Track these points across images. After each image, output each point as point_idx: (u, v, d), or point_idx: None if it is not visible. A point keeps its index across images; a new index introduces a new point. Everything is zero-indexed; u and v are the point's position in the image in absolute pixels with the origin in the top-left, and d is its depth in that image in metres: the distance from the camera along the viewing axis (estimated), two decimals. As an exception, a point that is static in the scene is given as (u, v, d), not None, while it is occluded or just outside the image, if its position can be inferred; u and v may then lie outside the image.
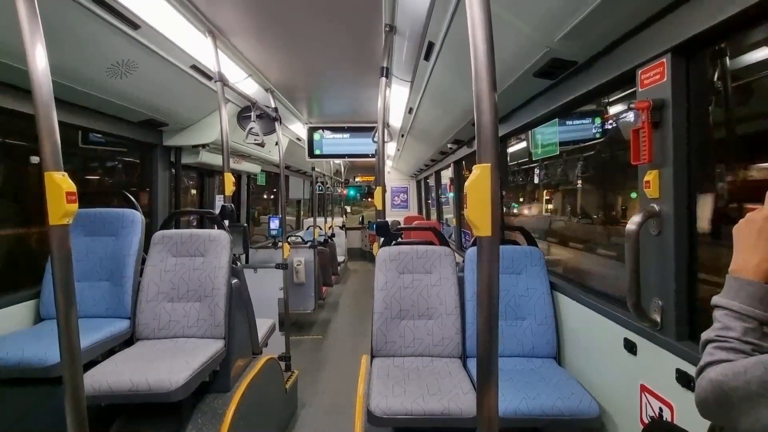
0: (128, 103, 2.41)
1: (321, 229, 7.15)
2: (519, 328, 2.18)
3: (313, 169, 7.12)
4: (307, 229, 7.92)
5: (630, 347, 1.52)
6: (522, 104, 2.39)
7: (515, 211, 4.94)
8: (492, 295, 0.79)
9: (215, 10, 2.02)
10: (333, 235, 8.30)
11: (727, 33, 1.17)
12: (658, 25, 1.28)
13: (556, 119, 2.51)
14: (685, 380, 1.24)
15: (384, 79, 2.25)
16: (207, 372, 1.88)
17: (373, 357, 2.21)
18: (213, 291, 2.12)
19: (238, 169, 4.28)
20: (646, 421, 1.43)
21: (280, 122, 3.43)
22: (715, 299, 0.75)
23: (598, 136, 2.64)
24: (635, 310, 1.37)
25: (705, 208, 1.35)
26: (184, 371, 1.69)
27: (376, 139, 2.70)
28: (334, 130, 4.58)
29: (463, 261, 2.39)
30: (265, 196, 7.37)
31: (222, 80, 2.29)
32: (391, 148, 6.49)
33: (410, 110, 3.65)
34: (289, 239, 5.45)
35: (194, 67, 2.37)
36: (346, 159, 7.01)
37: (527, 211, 4.76)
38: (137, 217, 2.30)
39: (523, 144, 3.89)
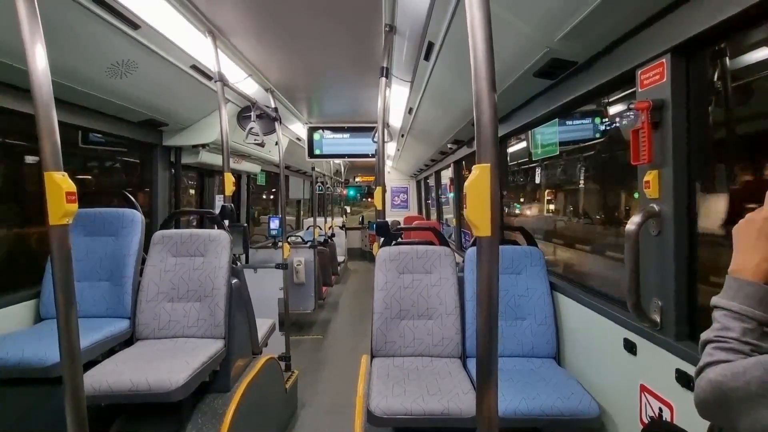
0: (128, 103, 2.41)
1: (321, 229, 7.15)
2: (519, 328, 2.18)
3: (313, 169, 7.12)
4: (307, 229, 7.92)
5: (630, 347, 1.52)
6: (522, 104, 2.40)
7: (517, 211, 4.91)
8: (492, 295, 0.79)
9: (215, 10, 2.02)
10: (333, 235, 8.31)
11: (726, 33, 1.17)
12: (657, 25, 1.28)
13: (556, 119, 2.51)
14: (684, 380, 1.24)
15: (384, 79, 2.25)
16: (207, 372, 1.88)
17: (373, 357, 2.21)
18: (213, 291, 2.12)
19: (238, 169, 4.28)
20: (646, 421, 1.44)
21: (280, 122, 3.43)
22: (715, 300, 0.75)
23: (598, 136, 2.64)
24: (635, 310, 1.37)
25: (704, 208, 1.35)
26: (184, 371, 1.69)
27: (376, 139, 2.70)
28: (334, 130, 4.59)
29: (463, 261, 2.39)
30: (264, 196, 7.36)
31: (222, 80, 2.29)
32: (391, 148, 6.49)
33: (410, 110, 3.65)
34: (289, 239, 5.45)
35: (194, 67, 2.37)
36: (346, 159, 7.02)
37: (530, 212, 4.72)
38: (137, 217, 2.30)
39: (524, 144, 3.87)
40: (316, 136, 4.58)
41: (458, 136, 3.68)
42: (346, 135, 4.59)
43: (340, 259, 8.27)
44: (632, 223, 1.33)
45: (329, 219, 8.85)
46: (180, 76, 2.37)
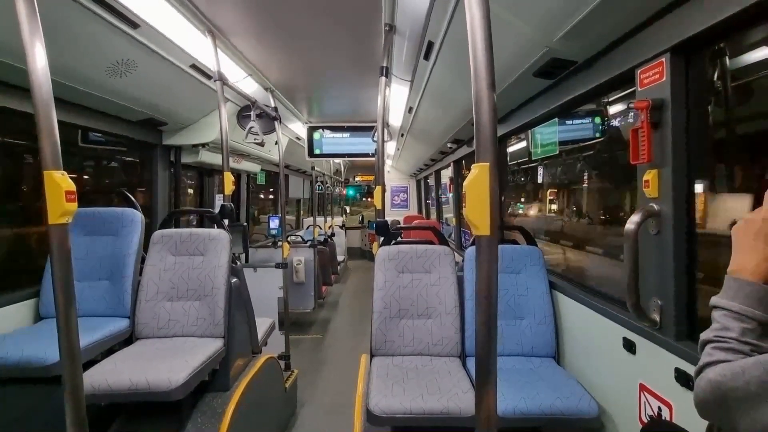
0: (128, 103, 2.41)
1: (321, 228, 7.15)
2: (518, 327, 2.18)
3: (312, 168, 7.12)
4: (307, 228, 7.92)
5: (629, 347, 1.52)
6: (522, 104, 2.40)
7: (521, 211, 4.87)
8: (491, 294, 0.79)
9: (215, 10, 2.02)
10: (333, 234, 8.31)
11: (726, 33, 1.18)
12: (657, 24, 1.28)
13: (556, 119, 2.51)
14: (684, 379, 1.24)
15: (384, 78, 2.25)
16: (206, 371, 1.88)
17: (372, 356, 2.21)
18: (212, 290, 2.12)
19: (238, 168, 4.28)
20: (645, 421, 1.44)
21: (280, 121, 3.43)
22: (714, 300, 0.75)
23: (597, 135, 2.64)
24: (634, 309, 1.37)
25: (704, 208, 1.35)
26: (184, 370, 1.69)
27: (375, 139, 2.70)
28: (333, 129, 4.58)
29: (463, 260, 2.39)
30: (262, 196, 7.36)
31: (221, 79, 2.29)
32: (390, 147, 6.49)
33: (410, 110, 3.65)
34: (288, 238, 5.45)
35: (194, 67, 2.37)
36: (346, 158, 7.02)
37: (534, 212, 4.66)
38: (137, 216, 2.30)
39: (525, 143, 3.85)
40: (316, 135, 4.57)
41: (458, 135, 3.69)
42: (346, 134, 4.59)
43: (340, 258, 8.28)
44: (631, 222, 1.34)
45: (329, 218, 8.85)
46: (180, 76, 2.37)
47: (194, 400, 1.94)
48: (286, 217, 5.77)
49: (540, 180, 4.32)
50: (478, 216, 0.78)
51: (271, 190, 7.27)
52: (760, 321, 0.70)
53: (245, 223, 4.63)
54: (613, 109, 2.52)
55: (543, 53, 1.61)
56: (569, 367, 2.05)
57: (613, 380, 1.67)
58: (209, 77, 2.45)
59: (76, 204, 1.01)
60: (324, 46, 2.58)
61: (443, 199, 6.90)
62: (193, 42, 2.16)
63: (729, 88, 1.42)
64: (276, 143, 3.70)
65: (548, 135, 2.76)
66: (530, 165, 4.17)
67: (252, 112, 2.98)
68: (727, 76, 1.39)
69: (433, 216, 7.50)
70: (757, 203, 0.75)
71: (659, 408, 1.36)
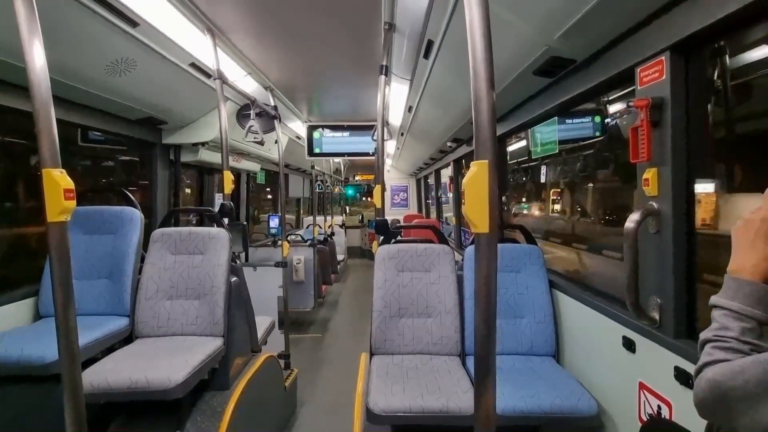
0: (127, 101, 2.40)
1: (320, 227, 7.15)
2: (518, 326, 2.18)
3: (312, 167, 7.11)
4: (307, 227, 7.92)
5: (629, 345, 1.52)
6: (522, 102, 2.39)
7: (525, 212, 4.80)
8: (490, 292, 0.79)
9: (214, 8, 2.02)
10: (333, 233, 8.31)
11: (726, 31, 1.17)
12: (657, 23, 1.28)
13: (556, 118, 2.51)
14: (683, 378, 1.24)
15: (383, 77, 2.24)
16: (206, 370, 1.88)
17: (372, 355, 2.21)
18: (212, 289, 2.12)
19: (238, 167, 4.28)
20: (645, 419, 1.44)
21: (280, 120, 3.43)
22: (714, 299, 0.75)
23: (597, 134, 2.64)
24: (634, 308, 1.37)
25: (703, 206, 1.35)
26: (183, 369, 1.69)
27: (375, 138, 2.70)
28: (333, 128, 4.58)
29: (462, 259, 2.39)
30: (263, 195, 7.36)
31: (221, 78, 2.29)
32: (390, 146, 6.49)
33: (410, 108, 3.65)
34: (288, 238, 5.45)
35: (193, 65, 2.36)
36: (346, 158, 7.02)
37: (539, 212, 4.51)
38: (136, 215, 2.30)
39: (526, 142, 3.79)
40: (316, 134, 4.57)
41: (458, 134, 3.68)
42: (346, 133, 4.59)
43: (340, 257, 8.28)
44: (631, 221, 1.33)
45: (329, 217, 8.85)
46: (179, 74, 2.37)
47: (194, 399, 1.94)
48: (286, 216, 5.77)
49: (543, 179, 4.27)
50: (477, 214, 0.78)
51: (267, 189, 7.25)
52: (759, 320, 0.70)
53: (245, 222, 4.64)
54: (615, 108, 2.51)
55: (543, 52, 1.60)
56: (569, 366, 2.05)
57: (612, 379, 1.67)
58: (209, 76, 2.45)
59: (74, 202, 1.01)
60: (324, 45, 2.58)
61: (443, 199, 6.90)
62: (193, 40, 2.15)
63: (729, 86, 1.42)
64: (276, 142, 3.70)
65: (548, 134, 2.75)
66: (534, 164, 4.13)
67: (252, 111, 2.98)
68: (727, 74, 1.39)
69: (433, 215, 7.50)
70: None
71: (659, 406, 1.36)
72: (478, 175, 0.78)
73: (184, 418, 1.85)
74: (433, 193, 7.40)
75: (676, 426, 1.10)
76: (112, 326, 2.02)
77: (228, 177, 2.40)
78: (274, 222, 4.92)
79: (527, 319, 2.19)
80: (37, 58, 0.97)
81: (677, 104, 1.27)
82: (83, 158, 3.08)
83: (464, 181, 0.79)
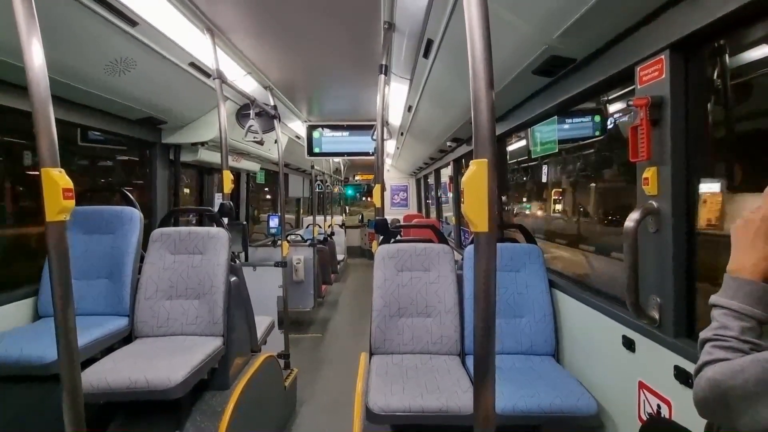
0: (127, 101, 2.40)
1: (320, 227, 7.15)
2: (518, 325, 2.18)
3: (312, 167, 7.11)
4: (307, 227, 7.92)
5: (628, 344, 1.52)
6: (521, 102, 2.39)
7: (527, 212, 4.75)
8: (489, 291, 0.78)
9: (214, 8, 2.02)
10: (332, 233, 8.31)
11: (725, 30, 1.17)
12: (656, 22, 1.28)
13: (555, 117, 2.51)
14: (683, 377, 1.24)
15: (383, 76, 2.24)
16: (205, 370, 1.88)
17: (371, 354, 2.21)
18: (212, 288, 2.11)
19: (237, 167, 4.28)
20: (644, 418, 1.44)
21: (279, 120, 3.42)
22: (714, 298, 0.75)
23: (597, 133, 2.64)
24: (633, 307, 1.37)
25: (708, 206, 1.35)
26: (183, 369, 1.69)
27: (375, 137, 2.70)
28: (333, 128, 4.58)
29: (462, 259, 2.39)
30: (261, 196, 7.35)
31: (221, 78, 2.29)
32: (390, 146, 6.49)
33: (409, 108, 3.64)
34: (288, 237, 5.45)
35: (193, 65, 2.36)
36: (346, 157, 7.02)
37: (541, 212, 4.42)
38: (136, 214, 2.30)
39: (527, 142, 3.74)
40: (316, 134, 4.57)
41: (457, 134, 3.68)
42: (346, 133, 4.58)
43: (340, 257, 8.28)
44: (630, 220, 1.33)
45: (329, 217, 8.85)
46: (178, 74, 2.37)
47: (193, 399, 1.94)
48: (286, 216, 5.77)
49: (545, 179, 4.23)
50: (477, 213, 0.78)
51: (266, 189, 7.25)
52: (759, 320, 0.70)
53: (245, 222, 4.64)
54: (615, 107, 2.51)
55: (542, 51, 1.60)
56: (568, 366, 2.05)
57: (612, 378, 1.67)
58: (208, 75, 2.45)
59: (73, 201, 1.01)
60: (323, 44, 2.57)
61: (443, 198, 6.90)
62: (192, 40, 2.15)
63: (728, 85, 1.42)
64: (275, 142, 3.69)
65: (548, 133, 2.75)
66: (535, 163, 4.11)
67: (251, 111, 2.98)
68: (726, 73, 1.39)
69: (433, 215, 7.50)
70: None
71: (658, 406, 1.36)
72: (477, 174, 0.78)
73: (184, 418, 1.85)
74: (432, 193, 7.39)
75: (675, 425, 1.10)
76: (112, 326, 2.02)
77: (227, 177, 2.40)
78: (273, 222, 4.93)
79: (527, 318, 2.19)
80: (35, 57, 0.97)
81: (677, 103, 1.27)
82: (83, 158, 3.08)
83: (463, 180, 0.79)
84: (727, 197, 1.38)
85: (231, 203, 2.46)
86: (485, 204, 0.77)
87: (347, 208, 12.68)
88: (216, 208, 2.47)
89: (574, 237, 3.63)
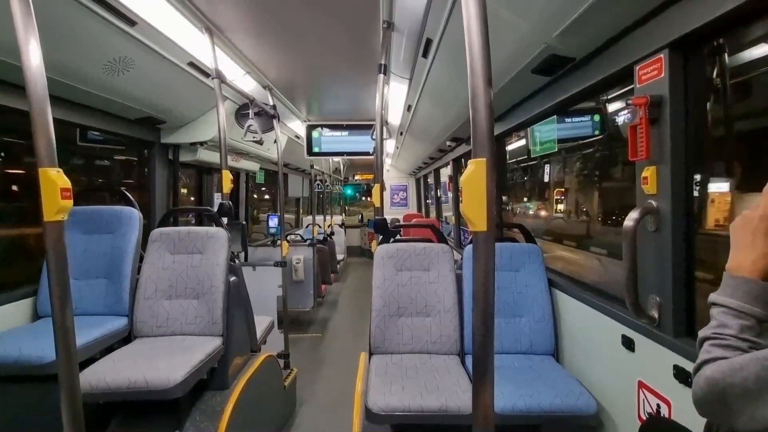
0: (125, 101, 2.40)
1: (320, 227, 7.14)
2: (517, 325, 2.18)
3: (312, 167, 7.11)
4: (306, 227, 7.92)
5: (628, 344, 1.52)
6: (521, 101, 2.39)
7: (531, 212, 4.71)
8: (488, 291, 0.78)
9: (213, 7, 2.02)
10: (332, 233, 8.30)
11: (725, 29, 1.17)
12: (655, 20, 1.28)
13: (554, 116, 2.51)
14: (682, 377, 1.24)
15: (382, 76, 2.24)
16: (205, 369, 1.88)
17: (371, 354, 2.21)
18: (211, 288, 2.11)
19: (237, 167, 4.27)
20: (644, 418, 1.44)
21: (279, 120, 3.42)
22: (712, 297, 0.75)
23: (597, 132, 2.63)
24: (633, 307, 1.36)
25: (716, 206, 1.35)
26: (182, 368, 1.69)
27: (374, 137, 2.70)
28: (332, 127, 4.57)
29: (462, 259, 2.39)
30: (258, 195, 7.34)
31: (219, 77, 2.29)
32: (390, 146, 6.49)
33: (409, 107, 3.64)
34: (288, 237, 5.45)
35: (191, 64, 2.36)
36: (345, 157, 7.01)
37: (545, 212, 4.35)
38: (135, 214, 2.30)
39: (526, 141, 3.71)
40: (315, 133, 4.57)
41: (457, 133, 3.68)
42: (345, 133, 4.58)
43: (340, 257, 8.27)
44: (630, 219, 1.33)
45: (328, 217, 8.84)
46: (177, 74, 2.36)
47: (193, 399, 1.94)
48: (285, 215, 5.76)
49: (547, 179, 4.21)
50: (475, 212, 0.77)
51: (264, 189, 7.24)
52: (758, 318, 0.69)
53: (244, 222, 4.64)
54: (614, 107, 2.51)
55: (541, 50, 1.60)
56: (568, 365, 2.05)
57: (611, 378, 1.67)
58: (207, 75, 2.45)
59: (71, 201, 1.01)
60: (322, 44, 2.57)
61: (442, 198, 6.90)
62: (191, 39, 2.15)
63: (728, 84, 1.42)
64: (275, 142, 3.69)
65: (547, 132, 2.75)
66: (535, 163, 4.09)
67: (250, 111, 2.97)
68: (725, 72, 1.39)
69: (433, 214, 7.50)
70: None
71: (658, 405, 1.35)
72: (475, 173, 0.77)
73: (183, 418, 1.85)
74: (432, 193, 7.39)
75: (675, 425, 1.10)
76: (111, 326, 2.02)
77: (227, 176, 2.40)
78: (273, 221, 4.92)
79: (526, 318, 2.19)
80: (33, 56, 0.97)
81: (676, 102, 1.27)
82: (82, 158, 3.08)
83: (462, 179, 0.79)
84: (730, 197, 1.38)
85: (230, 203, 2.46)
86: (484, 203, 0.77)
87: (347, 207, 12.67)
88: (215, 208, 2.47)
89: (584, 238, 3.51)
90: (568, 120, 2.63)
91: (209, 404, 1.95)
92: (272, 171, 5.88)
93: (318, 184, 8.11)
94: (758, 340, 0.68)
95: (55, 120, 1.01)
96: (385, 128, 2.56)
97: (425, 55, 2.22)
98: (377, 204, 2.45)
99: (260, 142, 3.14)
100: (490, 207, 0.77)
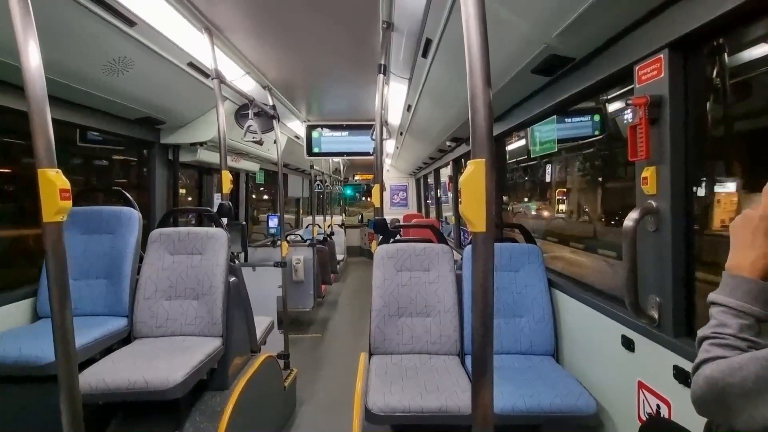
0: (125, 101, 2.40)
1: (320, 227, 7.14)
2: (517, 325, 2.18)
3: (311, 167, 7.11)
4: (306, 227, 7.92)
5: (628, 344, 1.52)
6: (520, 101, 2.39)
7: (533, 212, 4.67)
8: (487, 291, 0.78)
9: (212, 7, 2.02)
10: (332, 233, 8.30)
11: (724, 29, 1.17)
12: (655, 20, 1.28)
13: (554, 116, 2.51)
14: (682, 377, 1.24)
15: (382, 76, 2.24)
16: (205, 370, 1.88)
17: (371, 355, 2.21)
18: (211, 289, 2.11)
19: (237, 167, 4.27)
20: (644, 418, 1.44)
21: (278, 120, 3.42)
22: (712, 296, 0.75)
23: (597, 132, 2.63)
24: (633, 307, 1.36)
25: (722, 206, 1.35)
26: (182, 369, 1.68)
27: (374, 137, 2.70)
28: (332, 128, 4.57)
29: (462, 259, 2.39)
30: (257, 196, 7.33)
31: (219, 77, 2.29)
32: (390, 146, 6.48)
33: (409, 108, 3.64)
34: (287, 238, 5.45)
35: (191, 65, 2.36)
36: (345, 157, 7.01)
37: (548, 213, 4.32)
38: (134, 215, 2.30)
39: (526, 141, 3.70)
40: (315, 134, 4.56)
41: (456, 133, 3.68)
42: (345, 133, 4.58)
43: (339, 257, 8.27)
44: (629, 219, 1.33)
45: (328, 217, 8.84)
46: (177, 74, 2.36)
47: (193, 399, 1.94)
48: (285, 216, 5.76)
49: (549, 179, 4.19)
50: (475, 212, 0.77)
51: (263, 189, 7.23)
52: (757, 317, 0.69)
53: (244, 222, 4.63)
54: (614, 107, 2.51)
55: (541, 50, 1.60)
56: (568, 365, 2.05)
57: (611, 378, 1.67)
58: (207, 75, 2.45)
59: (70, 202, 1.01)
60: (322, 44, 2.57)
61: (442, 198, 6.90)
62: (190, 40, 2.15)
63: (728, 84, 1.42)
64: (275, 142, 3.69)
65: (547, 132, 2.75)
66: (535, 162, 4.08)
67: (250, 111, 2.97)
68: (725, 72, 1.39)
69: (433, 215, 7.50)
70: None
71: (658, 406, 1.35)
72: (475, 173, 0.77)
73: (183, 419, 1.85)
74: (432, 193, 7.39)
75: (675, 425, 1.10)
76: (111, 326, 2.02)
77: (226, 177, 2.39)
78: (273, 222, 4.92)
79: (526, 318, 2.19)
80: (32, 57, 0.97)
81: (676, 102, 1.27)
82: (82, 158, 3.08)
83: (461, 179, 0.79)
84: (733, 197, 1.38)
85: (230, 203, 2.46)
86: (483, 204, 0.77)
87: (347, 208, 12.67)
88: (215, 209, 2.47)
89: (590, 239, 3.46)
90: (568, 120, 2.62)
91: (209, 405, 1.95)
92: (272, 171, 5.88)
93: (318, 185, 8.11)
94: (757, 339, 0.68)
95: (54, 120, 1.01)
96: (384, 128, 2.56)
97: (425, 55, 2.22)
98: (377, 204, 2.45)
99: (260, 143, 3.14)
100: (490, 207, 0.77)
